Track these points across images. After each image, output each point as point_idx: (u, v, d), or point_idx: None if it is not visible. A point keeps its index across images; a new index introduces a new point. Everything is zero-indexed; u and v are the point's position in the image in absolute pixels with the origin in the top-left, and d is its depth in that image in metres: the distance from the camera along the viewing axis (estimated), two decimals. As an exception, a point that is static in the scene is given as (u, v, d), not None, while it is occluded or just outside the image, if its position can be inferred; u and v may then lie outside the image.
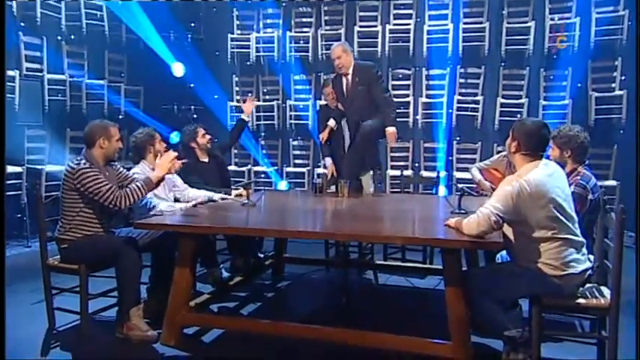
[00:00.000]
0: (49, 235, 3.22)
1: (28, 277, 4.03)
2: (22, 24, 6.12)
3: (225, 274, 3.68)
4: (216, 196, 3.84)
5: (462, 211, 3.14)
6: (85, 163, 3.12)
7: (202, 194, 3.92)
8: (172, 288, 2.83)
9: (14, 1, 5.88)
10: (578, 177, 3.25)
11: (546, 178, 2.60)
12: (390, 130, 4.41)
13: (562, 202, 2.60)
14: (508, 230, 2.72)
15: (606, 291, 2.63)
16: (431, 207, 3.63)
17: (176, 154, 3.37)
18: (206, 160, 4.51)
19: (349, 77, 4.57)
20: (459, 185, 3.36)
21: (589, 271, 2.69)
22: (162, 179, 3.27)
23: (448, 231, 2.62)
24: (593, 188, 3.22)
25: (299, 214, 3.43)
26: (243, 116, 4.87)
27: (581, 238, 2.67)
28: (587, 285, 2.70)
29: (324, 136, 4.76)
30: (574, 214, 2.68)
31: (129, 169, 3.75)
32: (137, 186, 3.15)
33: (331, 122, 4.72)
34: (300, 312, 3.55)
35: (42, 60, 6.29)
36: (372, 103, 4.51)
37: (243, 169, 7.94)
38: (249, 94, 5.11)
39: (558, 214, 2.57)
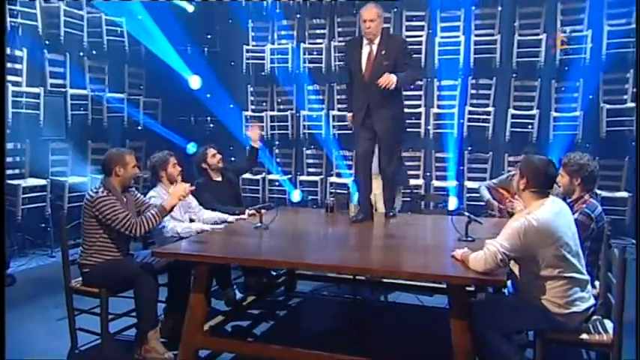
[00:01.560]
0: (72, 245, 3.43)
1: (53, 290, 4.15)
2: (47, 42, 6.36)
3: (239, 295, 3.85)
4: (230, 218, 4.02)
5: (469, 239, 3.21)
6: (103, 192, 3.31)
7: (216, 216, 4.09)
8: (188, 312, 2.99)
9: (39, 22, 6.10)
10: (584, 205, 3.31)
11: (554, 215, 2.64)
12: (391, 76, 3.73)
13: (569, 241, 2.64)
14: (514, 267, 2.79)
15: (609, 324, 2.69)
16: (439, 232, 3.71)
17: (189, 185, 3.53)
18: (219, 179, 4.66)
19: (374, 47, 3.90)
20: (466, 213, 3.44)
21: (592, 309, 2.74)
22: (173, 207, 3.47)
23: (455, 264, 2.71)
24: (597, 217, 3.27)
25: (310, 241, 3.54)
26: (252, 144, 4.96)
27: (586, 276, 2.72)
28: (592, 318, 2.77)
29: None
30: (580, 251, 2.73)
31: (145, 192, 3.95)
32: (152, 214, 3.34)
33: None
34: (311, 332, 3.67)
35: (65, 76, 6.52)
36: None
37: (258, 177, 8.13)
38: (253, 123, 5.12)
39: (565, 253, 2.61)
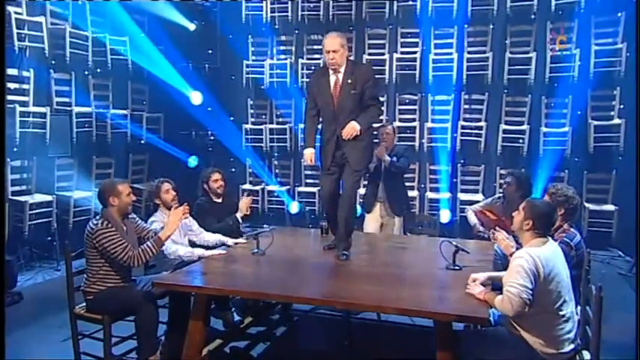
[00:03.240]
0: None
1: (57, 308, 4.25)
2: (53, 62, 6.57)
3: (237, 318, 4.06)
4: (230, 242, 4.23)
5: (456, 267, 3.40)
6: (102, 223, 3.46)
7: (217, 239, 4.29)
8: (187, 339, 3.18)
9: (46, 44, 6.33)
10: (564, 234, 3.46)
11: (552, 254, 2.83)
12: (354, 125, 3.66)
13: (565, 278, 2.84)
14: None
15: (587, 356, 2.84)
16: (428, 259, 3.75)
17: (182, 209, 3.67)
18: (219, 200, 4.86)
19: (340, 76, 3.74)
20: (454, 242, 3.62)
21: (576, 349, 2.90)
22: (169, 237, 3.62)
23: (442, 298, 2.87)
24: (577, 245, 3.43)
25: (304, 270, 3.64)
26: (238, 214, 4.73)
27: (575, 317, 2.90)
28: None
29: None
30: (572, 290, 2.92)
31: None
32: (148, 245, 3.50)
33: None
34: (306, 353, 3.87)
35: (70, 94, 6.75)
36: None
37: (257, 187, 8.38)
38: (248, 197, 5.12)
39: (561, 289, 2.80)
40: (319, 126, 3.99)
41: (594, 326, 2.71)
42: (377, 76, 4.09)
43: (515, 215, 2.99)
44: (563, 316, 2.82)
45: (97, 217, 3.56)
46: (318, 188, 8.16)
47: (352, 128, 3.67)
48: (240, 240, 4.24)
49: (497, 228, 3.64)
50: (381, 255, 3.93)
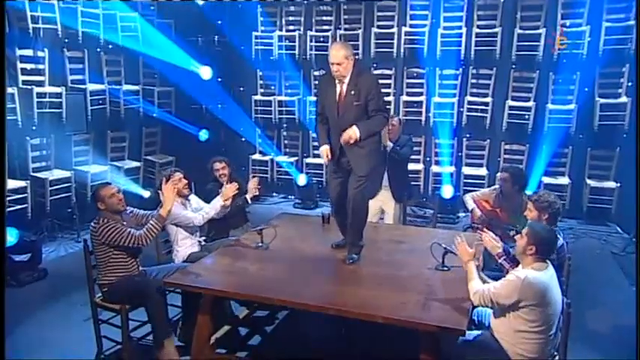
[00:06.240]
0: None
1: (79, 285, 4.40)
2: (66, 40, 6.73)
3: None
4: (217, 203, 4.55)
5: (445, 268, 3.65)
6: (101, 220, 3.77)
7: (212, 206, 4.56)
8: (195, 333, 3.51)
9: (58, 24, 6.46)
10: None
11: (549, 279, 3.02)
12: (354, 130, 3.68)
13: (558, 300, 3.04)
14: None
15: None
16: (421, 256, 3.88)
17: (170, 183, 3.97)
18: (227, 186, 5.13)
19: (344, 86, 3.77)
20: (443, 245, 3.84)
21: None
22: (170, 211, 3.88)
23: (426, 305, 3.09)
24: (558, 249, 3.59)
25: (302, 269, 3.80)
26: (247, 195, 4.98)
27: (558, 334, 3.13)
28: None
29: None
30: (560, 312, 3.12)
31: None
32: (151, 224, 3.78)
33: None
34: (303, 343, 4.14)
35: (84, 72, 6.95)
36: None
37: (266, 158, 8.61)
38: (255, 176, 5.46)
39: (551, 314, 3.01)
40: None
41: (562, 337, 2.99)
42: (381, 87, 4.02)
43: (518, 239, 3.15)
44: (551, 335, 3.05)
45: (95, 219, 3.82)
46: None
47: (349, 135, 3.70)
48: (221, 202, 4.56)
49: (485, 229, 3.84)
50: (377, 252, 4.07)
